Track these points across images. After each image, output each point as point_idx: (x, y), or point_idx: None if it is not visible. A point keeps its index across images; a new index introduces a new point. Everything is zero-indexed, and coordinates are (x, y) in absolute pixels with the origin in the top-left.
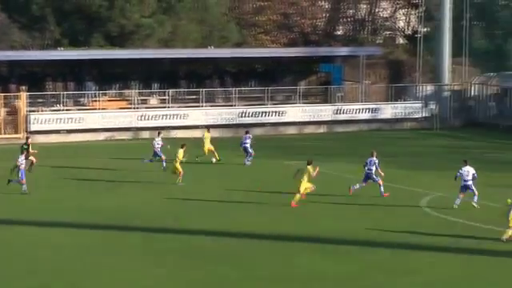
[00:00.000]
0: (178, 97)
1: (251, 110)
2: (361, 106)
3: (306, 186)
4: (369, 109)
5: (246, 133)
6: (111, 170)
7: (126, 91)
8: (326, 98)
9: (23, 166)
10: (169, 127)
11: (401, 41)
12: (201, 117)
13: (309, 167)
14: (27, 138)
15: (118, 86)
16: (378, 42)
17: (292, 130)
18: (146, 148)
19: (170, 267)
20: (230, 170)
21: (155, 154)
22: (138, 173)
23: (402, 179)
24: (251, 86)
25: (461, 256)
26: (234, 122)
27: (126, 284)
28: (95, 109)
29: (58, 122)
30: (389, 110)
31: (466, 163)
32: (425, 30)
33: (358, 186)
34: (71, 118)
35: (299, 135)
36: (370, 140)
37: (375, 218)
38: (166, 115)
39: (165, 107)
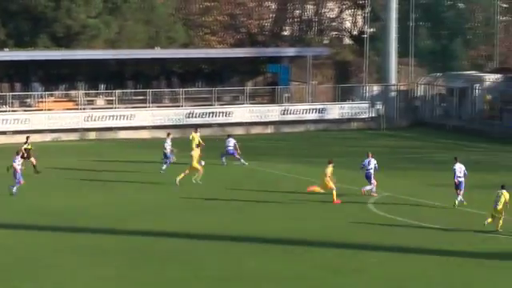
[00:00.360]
0: (124, 97)
1: (198, 110)
2: (308, 107)
3: (330, 184)
4: (316, 109)
5: (228, 136)
6: (59, 171)
7: (73, 92)
8: (273, 99)
9: (19, 167)
10: (115, 128)
11: (347, 41)
12: (147, 117)
13: (330, 166)
14: (27, 138)
15: (64, 86)
16: (324, 42)
17: (239, 131)
18: (92, 148)
19: (118, 267)
20: (176, 171)
21: (165, 156)
22: (87, 173)
23: (350, 179)
24: (198, 87)
25: (407, 255)
26: (181, 123)
27: (74, 284)
28: (41, 110)
29: (4, 123)
30: (336, 111)
31: (456, 160)
32: (371, 30)
33: (368, 187)
34: (17, 119)
35: (246, 136)
36: (318, 140)
37: (322, 217)
38: (113, 116)
39: (111, 108)
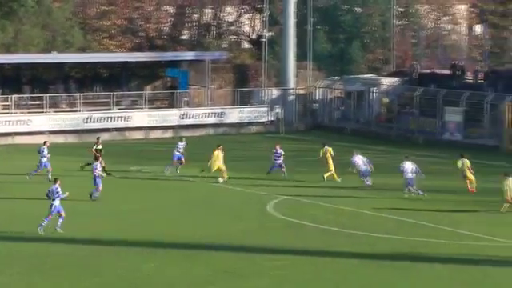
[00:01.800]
0: (21, 102)
1: (97, 115)
2: (207, 111)
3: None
4: (215, 113)
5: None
6: None
7: None
8: (172, 103)
9: (98, 171)
10: (12, 133)
11: (246, 45)
12: (45, 122)
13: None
14: (98, 139)
15: None
16: (223, 46)
17: (138, 135)
18: None
19: (13, 275)
20: (77, 177)
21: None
22: None
23: (249, 182)
24: (96, 91)
25: (308, 258)
26: (79, 128)
27: None
28: None
29: None
30: (235, 114)
31: (406, 158)
32: (269, 34)
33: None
34: None
35: (146, 140)
36: (217, 144)
37: (223, 222)
38: (9, 121)
39: (8, 113)
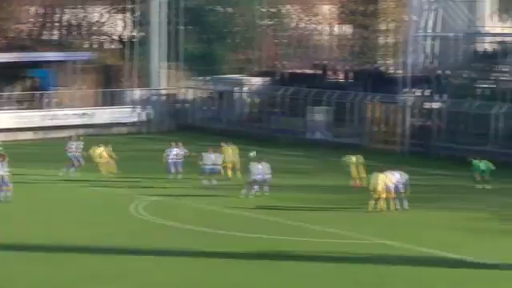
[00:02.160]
0: None
1: None
2: (74, 112)
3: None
4: (82, 114)
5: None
6: None
7: None
8: (37, 104)
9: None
10: None
11: (115, 45)
12: None
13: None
14: None
15: None
16: (90, 46)
17: (2, 137)
18: None
19: None
20: None
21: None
22: None
23: (116, 184)
24: None
25: (174, 259)
26: None
27: None
28: None
29: None
30: (102, 115)
31: (261, 160)
32: (138, 34)
33: None
34: None
35: (10, 142)
36: (85, 145)
37: (89, 224)
38: None
39: None
